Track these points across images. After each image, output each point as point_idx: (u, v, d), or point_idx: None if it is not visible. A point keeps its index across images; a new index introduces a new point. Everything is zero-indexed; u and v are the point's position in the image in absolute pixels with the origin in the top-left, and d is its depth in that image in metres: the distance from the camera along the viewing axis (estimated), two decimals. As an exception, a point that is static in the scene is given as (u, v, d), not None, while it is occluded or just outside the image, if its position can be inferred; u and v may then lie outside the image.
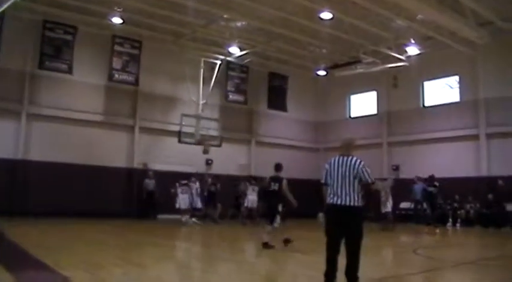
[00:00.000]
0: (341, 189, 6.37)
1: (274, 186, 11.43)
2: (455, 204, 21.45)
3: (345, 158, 6.53)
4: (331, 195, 6.45)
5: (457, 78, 23.65)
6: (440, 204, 18.91)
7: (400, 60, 22.84)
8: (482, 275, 8.64)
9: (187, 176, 20.37)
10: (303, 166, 26.25)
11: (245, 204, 20.06)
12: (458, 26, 19.43)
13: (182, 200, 19.03)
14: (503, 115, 21.31)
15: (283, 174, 11.66)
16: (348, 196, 6.35)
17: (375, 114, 27.17)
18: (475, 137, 22.27)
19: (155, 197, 21.11)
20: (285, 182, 11.40)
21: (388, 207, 18.45)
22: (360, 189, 6.46)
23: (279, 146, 26.97)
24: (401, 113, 25.43)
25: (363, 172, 6.41)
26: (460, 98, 23.37)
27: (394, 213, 19.26)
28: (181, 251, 12.42)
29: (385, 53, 22.80)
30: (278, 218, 11.39)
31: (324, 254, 6.42)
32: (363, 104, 28.17)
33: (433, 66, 23.33)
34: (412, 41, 21.52)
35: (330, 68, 25.77)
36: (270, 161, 24.39)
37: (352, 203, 6.34)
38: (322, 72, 26.16)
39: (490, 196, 20.61)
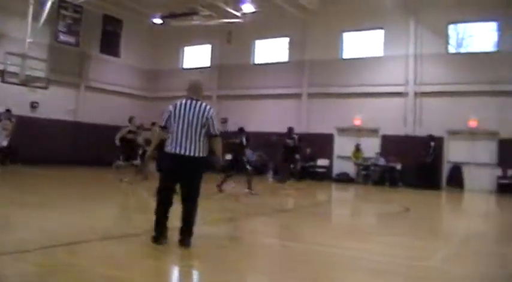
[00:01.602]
0: (185, 138, 5.77)
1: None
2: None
3: (194, 102, 5.91)
4: (173, 144, 5.80)
5: (287, 39, 25.33)
6: (296, 159, 19.31)
7: (236, 16, 23.67)
8: (305, 219, 9.97)
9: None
10: (131, 114, 25.78)
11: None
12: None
13: None
14: (323, 77, 23.56)
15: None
16: (192, 145, 5.79)
17: (207, 67, 27.80)
18: (298, 96, 24.32)
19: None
20: None
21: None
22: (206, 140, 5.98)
23: (109, 92, 26.41)
24: (233, 68, 26.43)
25: (212, 121, 5.90)
26: (289, 58, 25.15)
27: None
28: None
29: (222, 8, 23.32)
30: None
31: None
32: (197, 56, 28.65)
33: (266, 26, 24.55)
34: (248, -1, 22.35)
35: (167, 17, 25.47)
36: (100, 107, 24.18)
37: (196, 154, 5.82)
38: (158, 21, 25.80)
39: (308, 151, 22.90)
